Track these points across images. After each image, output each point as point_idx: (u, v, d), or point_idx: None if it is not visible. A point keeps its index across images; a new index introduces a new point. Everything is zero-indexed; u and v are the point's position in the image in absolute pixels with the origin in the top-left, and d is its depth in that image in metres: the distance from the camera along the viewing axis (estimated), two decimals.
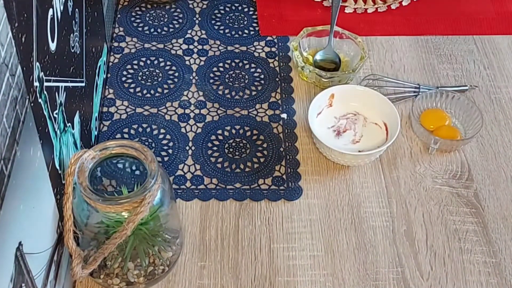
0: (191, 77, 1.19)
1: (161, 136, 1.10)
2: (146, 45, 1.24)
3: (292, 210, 1.01)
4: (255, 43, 1.25)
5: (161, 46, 1.24)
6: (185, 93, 1.17)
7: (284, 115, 1.13)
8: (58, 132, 0.83)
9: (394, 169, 1.07)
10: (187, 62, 1.21)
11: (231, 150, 1.08)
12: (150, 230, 0.87)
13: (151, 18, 1.30)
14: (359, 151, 1.04)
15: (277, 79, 1.19)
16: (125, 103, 1.15)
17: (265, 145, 1.09)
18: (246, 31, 1.28)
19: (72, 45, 0.90)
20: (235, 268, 0.95)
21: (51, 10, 0.79)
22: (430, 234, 0.99)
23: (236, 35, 1.27)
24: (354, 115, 1.10)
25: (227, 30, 1.28)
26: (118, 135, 1.10)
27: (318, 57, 1.20)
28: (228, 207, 1.01)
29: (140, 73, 1.20)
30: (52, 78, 0.79)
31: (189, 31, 1.27)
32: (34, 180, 0.73)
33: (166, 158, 1.07)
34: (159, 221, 0.89)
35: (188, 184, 1.04)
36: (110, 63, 1.21)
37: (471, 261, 0.96)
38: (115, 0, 1.30)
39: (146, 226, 0.86)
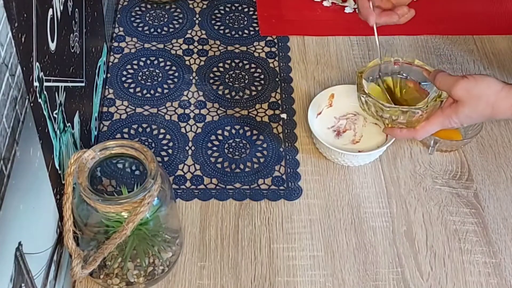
0: (191, 77, 1.19)
1: (161, 136, 1.10)
2: (146, 45, 1.24)
3: (292, 210, 1.01)
4: (255, 43, 1.25)
5: (161, 46, 1.24)
6: (185, 93, 1.17)
7: (284, 115, 1.13)
8: (58, 132, 0.83)
9: (394, 169, 1.07)
10: (187, 62, 1.21)
11: (231, 150, 1.08)
12: (149, 230, 0.87)
13: (151, 18, 1.30)
14: (359, 151, 1.04)
15: (277, 79, 1.19)
16: (125, 103, 1.15)
17: (265, 145, 1.09)
18: (246, 31, 1.28)
19: (72, 45, 0.90)
20: (235, 268, 0.95)
21: (51, 10, 0.79)
22: (430, 235, 0.99)
23: (236, 35, 1.27)
24: (354, 115, 1.10)
25: (227, 30, 1.28)
26: (118, 135, 1.10)
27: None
28: (228, 207, 1.01)
29: (140, 73, 1.20)
30: (52, 78, 0.79)
31: (189, 31, 1.27)
32: (34, 180, 0.73)
33: (166, 158, 1.07)
34: (159, 221, 0.89)
35: (188, 184, 1.04)
36: (110, 63, 1.21)
37: (471, 262, 0.96)
38: (115, 0, 1.30)
39: (146, 226, 0.86)
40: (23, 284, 0.69)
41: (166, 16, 1.30)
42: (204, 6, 1.33)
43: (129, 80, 1.18)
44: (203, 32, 1.27)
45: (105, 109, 1.13)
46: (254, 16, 1.31)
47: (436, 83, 0.96)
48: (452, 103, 0.94)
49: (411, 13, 1.07)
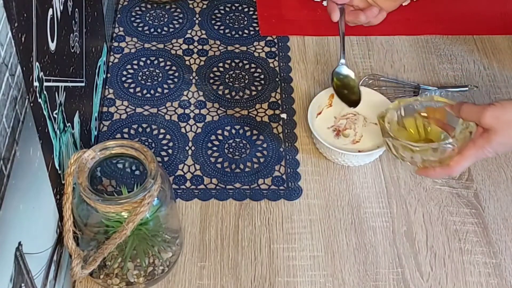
0: (191, 77, 1.19)
1: (161, 136, 1.10)
2: (146, 45, 1.24)
3: (292, 210, 1.01)
4: (255, 43, 1.25)
5: (161, 46, 1.24)
6: (185, 93, 1.17)
7: (284, 115, 1.13)
8: (58, 132, 0.83)
9: (394, 169, 1.07)
10: (187, 62, 1.21)
11: (231, 150, 1.08)
12: (149, 230, 0.87)
13: (151, 18, 1.30)
14: (359, 151, 1.04)
15: (277, 79, 1.19)
16: (125, 103, 1.15)
17: (265, 145, 1.09)
18: (246, 31, 1.28)
19: (72, 45, 0.90)
20: (235, 269, 0.95)
21: (50, 10, 0.79)
22: (430, 235, 0.99)
23: (236, 35, 1.27)
24: (354, 115, 1.10)
25: (227, 30, 1.28)
26: (118, 135, 1.10)
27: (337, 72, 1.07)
28: (228, 207, 1.01)
29: (140, 73, 1.20)
30: (52, 78, 0.79)
31: (189, 31, 1.27)
32: (34, 180, 0.73)
33: (166, 158, 1.07)
34: (159, 221, 0.88)
35: (188, 184, 1.04)
36: (110, 63, 1.21)
37: (471, 262, 0.96)
38: (115, 0, 1.30)
39: (146, 226, 0.86)
40: (23, 284, 0.69)
41: (166, 16, 1.30)
42: (204, 6, 1.33)
43: (129, 80, 1.18)
44: (203, 32, 1.27)
45: (105, 109, 1.13)
46: (254, 16, 1.31)
47: (461, 115, 0.92)
48: (483, 132, 0.90)
49: (382, 14, 1.05)
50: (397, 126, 0.99)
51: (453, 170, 0.92)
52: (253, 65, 1.21)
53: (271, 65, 1.22)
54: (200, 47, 1.24)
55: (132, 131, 1.11)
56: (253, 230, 0.99)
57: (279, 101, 1.15)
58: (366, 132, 1.08)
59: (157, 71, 1.20)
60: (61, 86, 0.84)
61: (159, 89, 1.17)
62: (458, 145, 0.92)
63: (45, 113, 0.76)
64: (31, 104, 0.71)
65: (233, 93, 1.17)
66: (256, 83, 1.18)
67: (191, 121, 1.12)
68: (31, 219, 0.72)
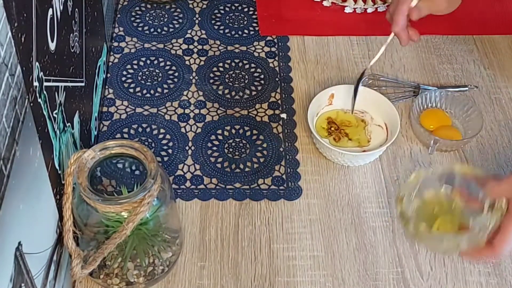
0: (191, 77, 1.19)
1: (161, 136, 1.10)
2: (146, 45, 1.24)
3: (292, 210, 1.01)
4: (255, 43, 1.25)
5: (161, 46, 1.24)
6: (185, 93, 1.17)
7: (284, 115, 1.13)
8: (58, 132, 0.83)
9: (394, 169, 1.07)
10: (187, 62, 1.21)
11: (231, 150, 1.08)
12: (149, 230, 0.87)
13: (151, 18, 1.30)
14: (364, 151, 1.04)
15: (277, 79, 1.19)
16: (125, 103, 1.15)
17: (265, 145, 1.09)
18: (246, 31, 1.28)
19: (72, 45, 0.90)
20: (235, 268, 0.95)
21: (50, 10, 0.79)
22: None
23: (236, 35, 1.27)
24: (362, 112, 1.10)
25: (227, 30, 1.28)
26: (118, 135, 1.10)
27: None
28: (228, 207, 1.01)
29: (140, 73, 1.20)
30: (52, 78, 0.79)
31: (189, 31, 1.27)
32: (34, 180, 0.73)
33: (166, 158, 1.07)
34: (159, 221, 0.88)
35: (188, 184, 1.04)
36: (110, 63, 1.21)
37: (471, 261, 0.96)
38: (115, 0, 1.30)
39: (146, 226, 0.86)
40: (23, 284, 0.69)
41: (166, 16, 1.30)
42: (204, 6, 1.33)
43: (129, 80, 1.18)
44: (203, 32, 1.27)
45: (105, 109, 1.13)
46: (254, 16, 1.31)
47: (491, 196, 0.83)
48: None
49: (416, 37, 1.07)
50: (417, 205, 0.88)
51: (497, 250, 0.82)
52: (253, 65, 1.21)
53: (271, 65, 1.22)
54: (200, 47, 1.24)
55: (132, 131, 1.11)
56: (253, 230, 0.99)
57: (279, 101, 1.15)
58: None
59: (157, 71, 1.20)
60: (61, 86, 0.84)
61: (159, 89, 1.17)
62: (492, 226, 0.82)
63: (45, 113, 0.77)
64: (31, 104, 0.71)
65: (233, 93, 1.17)
66: (256, 83, 1.18)
67: (191, 121, 1.12)
68: (31, 219, 0.72)
